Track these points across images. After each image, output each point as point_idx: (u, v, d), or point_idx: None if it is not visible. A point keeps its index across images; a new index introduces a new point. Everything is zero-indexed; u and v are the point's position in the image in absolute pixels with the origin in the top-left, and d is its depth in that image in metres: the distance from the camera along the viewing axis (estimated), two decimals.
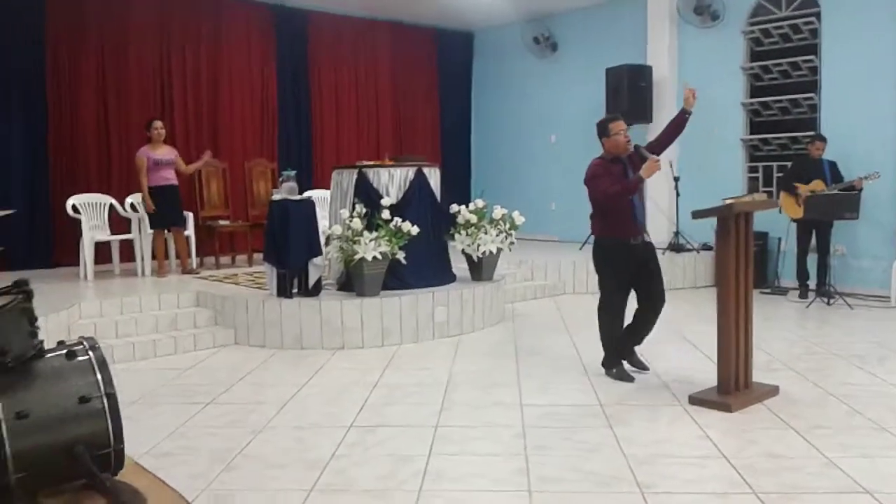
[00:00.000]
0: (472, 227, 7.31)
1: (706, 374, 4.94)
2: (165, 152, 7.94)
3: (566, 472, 3.52)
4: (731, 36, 9.47)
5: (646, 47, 10.14)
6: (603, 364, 5.22)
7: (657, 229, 9.70)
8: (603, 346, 5.21)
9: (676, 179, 9.19)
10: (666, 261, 8.94)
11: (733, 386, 4.52)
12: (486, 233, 7.28)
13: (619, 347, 5.17)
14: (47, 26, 8.77)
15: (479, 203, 7.55)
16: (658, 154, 5.00)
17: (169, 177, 7.89)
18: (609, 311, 5.15)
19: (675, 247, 9.35)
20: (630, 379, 5.04)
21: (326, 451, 3.83)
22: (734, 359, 4.53)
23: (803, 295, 8.11)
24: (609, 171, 5.03)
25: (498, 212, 7.50)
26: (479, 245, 7.24)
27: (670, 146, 5.31)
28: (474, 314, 6.85)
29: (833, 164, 8.04)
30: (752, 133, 9.41)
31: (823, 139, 8.11)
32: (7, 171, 8.53)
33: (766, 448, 3.80)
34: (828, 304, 7.77)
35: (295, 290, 6.45)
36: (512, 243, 7.48)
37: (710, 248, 9.19)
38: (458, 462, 3.67)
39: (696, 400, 4.54)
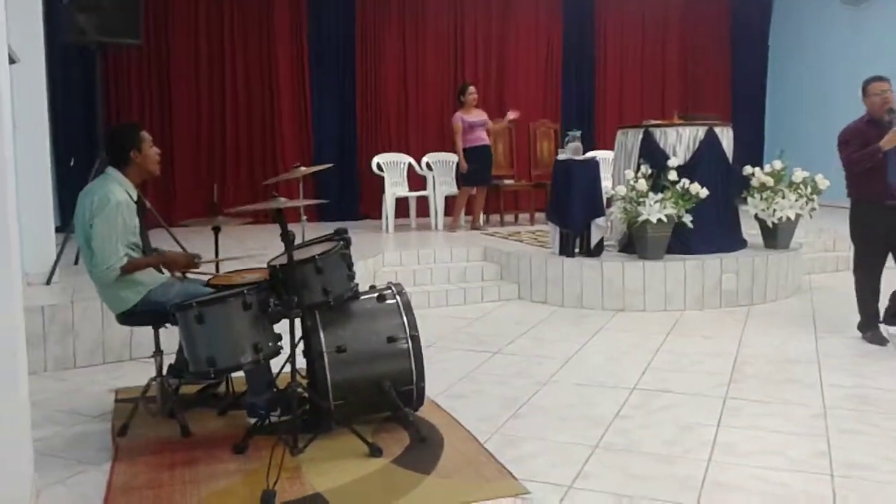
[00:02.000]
0: (768, 191, 6.82)
1: None
2: (477, 115, 8.36)
3: (877, 460, 3.21)
4: None
5: None
6: (858, 327, 5.12)
7: None
8: (858, 308, 5.11)
9: None
10: None
11: None
12: (783, 197, 6.76)
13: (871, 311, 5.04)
14: (356, 3, 9.58)
15: (777, 165, 7.02)
16: None
17: (483, 137, 8.35)
18: (858, 273, 5.12)
19: None
20: (883, 342, 4.85)
21: (609, 409, 3.85)
22: None
23: None
24: (861, 134, 4.91)
25: (798, 174, 6.92)
26: (774, 210, 6.75)
27: None
28: (766, 284, 6.43)
29: None
30: None
31: None
32: (322, 132, 9.55)
33: None
34: None
35: (577, 250, 6.50)
36: (814, 209, 6.87)
37: None
38: (749, 436, 3.50)
39: None
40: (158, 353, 3.69)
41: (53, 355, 4.61)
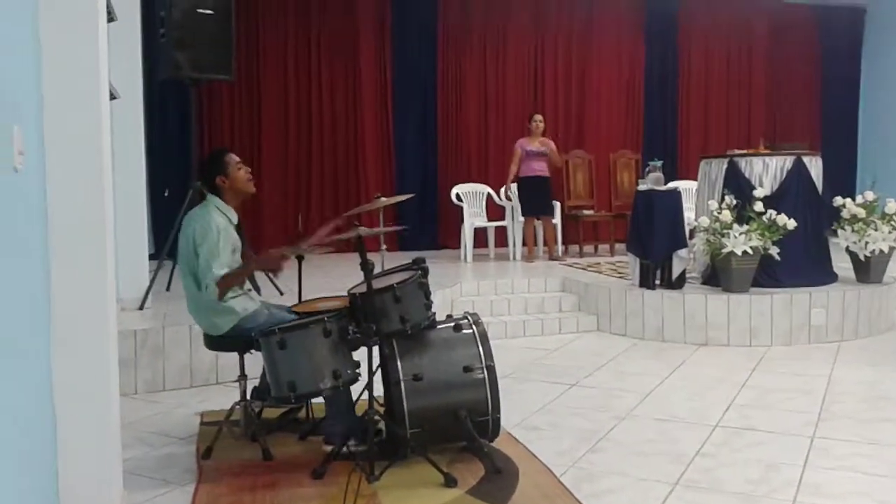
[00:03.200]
0: (860, 223, 6.58)
1: None
2: (539, 145, 8.37)
3: None
4: None
5: None
6: None
7: None
8: None
9: None
10: None
11: None
12: (875, 229, 6.50)
13: None
14: (439, 32, 9.78)
15: (869, 195, 6.76)
16: None
17: (539, 168, 8.30)
18: None
19: None
20: None
21: (691, 446, 3.76)
22: None
23: None
24: None
25: (892, 205, 6.64)
26: (866, 243, 6.49)
27: None
28: (858, 319, 6.17)
29: None
30: None
31: None
32: (404, 163, 9.74)
33: None
34: None
35: (658, 282, 6.39)
36: None
37: None
38: (837, 477, 3.36)
39: None
40: (243, 377, 3.80)
41: (144, 378, 4.80)
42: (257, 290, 3.82)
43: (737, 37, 11.01)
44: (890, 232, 6.51)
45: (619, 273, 7.27)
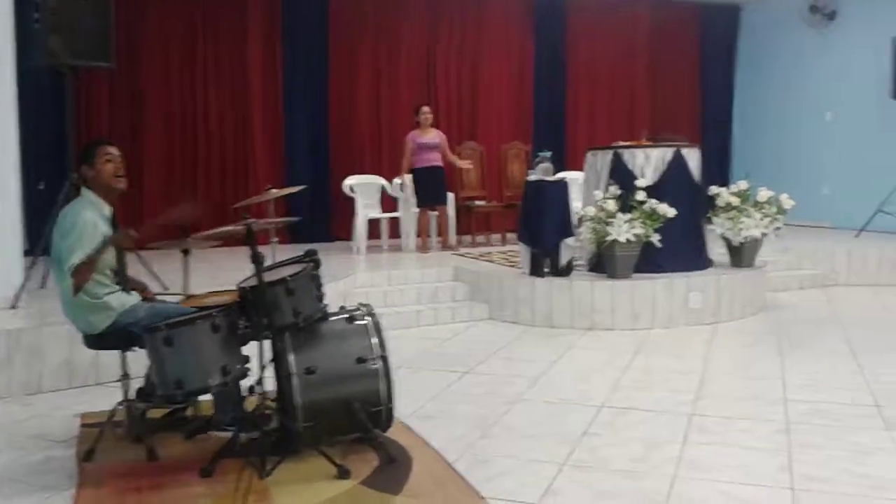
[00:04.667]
0: (734, 211, 6.95)
1: None
2: (432, 136, 8.42)
3: (835, 472, 3.28)
4: None
5: None
6: None
7: None
8: None
9: None
10: None
11: None
12: (748, 216, 6.89)
13: None
14: (330, 24, 9.67)
15: (743, 185, 7.16)
16: None
17: (433, 158, 8.36)
18: None
19: None
20: None
21: (578, 427, 3.89)
22: None
23: None
24: None
25: (763, 194, 7.06)
26: (740, 229, 6.87)
27: None
28: (732, 302, 6.54)
29: None
30: None
31: None
32: (295, 153, 9.59)
33: None
34: None
35: (547, 270, 6.56)
36: (778, 228, 7.01)
37: None
38: (714, 452, 3.57)
39: None
40: (126, 376, 3.67)
41: (19, 380, 4.56)
42: (125, 285, 3.66)
43: (622, 33, 11.37)
44: (761, 219, 6.91)
45: (511, 262, 7.42)
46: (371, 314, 3.73)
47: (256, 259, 3.34)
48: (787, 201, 7.04)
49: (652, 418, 4.06)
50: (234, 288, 3.68)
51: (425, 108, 8.50)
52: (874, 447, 3.57)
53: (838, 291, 7.77)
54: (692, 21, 11.87)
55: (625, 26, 11.34)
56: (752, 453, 3.55)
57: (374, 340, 3.61)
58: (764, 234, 6.94)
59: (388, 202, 9.02)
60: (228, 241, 4.19)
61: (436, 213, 8.60)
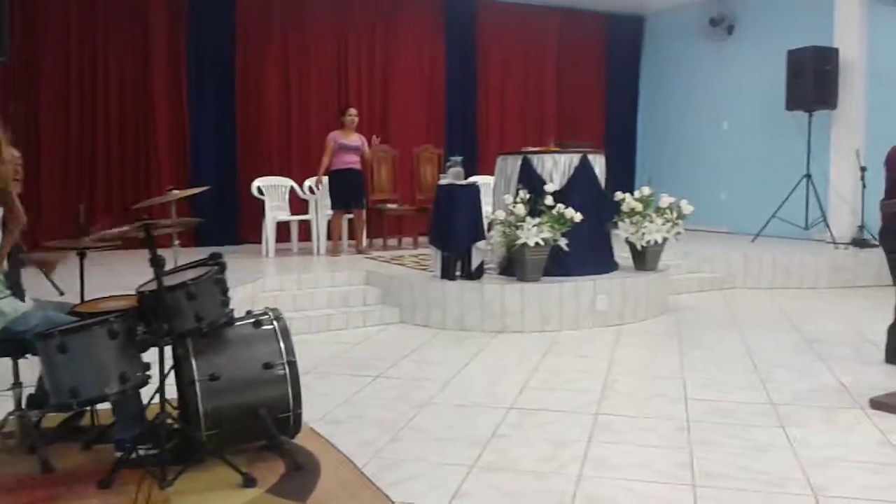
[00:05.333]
0: (637, 216, 7.16)
1: (889, 378, 4.60)
2: (354, 139, 8.36)
3: (733, 469, 3.41)
4: None
5: (832, 28, 9.46)
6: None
7: (839, 221, 9.11)
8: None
9: (863, 170, 8.57)
10: (849, 256, 8.42)
11: None
12: (651, 221, 7.11)
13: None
14: (237, 21, 9.47)
15: (646, 191, 7.38)
16: None
17: (351, 161, 8.31)
18: None
19: (859, 242, 8.72)
20: None
21: (487, 429, 3.92)
22: None
23: None
24: None
25: (665, 200, 7.30)
26: (643, 234, 7.08)
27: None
28: (636, 304, 6.73)
29: None
30: None
31: None
32: (200, 155, 9.34)
33: None
34: None
35: (458, 273, 6.59)
36: (679, 233, 7.25)
37: None
38: (618, 451, 3.65)
39: (878, 404, 4.24)
40: (17, 385, 3.48)
41: None
42: (20, 292, 3.49)
43: (531, 40, 11.57)
44: (663, 224, 7.13)
45: (422, 265, 7.43)
46: (278, 318, 3.65)
47: (156, 262, 3.23)
48: (686, 207, 7.30)
49: (559, 418, 4.12)
50: (133, 292, 3.55)
51: (352, 110, 8.46)
52: (769, 444, 3.73)
53: (735, 294, 8.10)
54: (599, 31, 12.18)
55: (534, 34, 11.54)
56: (654, 451, 3.65)
57: (281, 345, 3.54)
58: (665, 239, 7.17)
59: (298, 204, 8.88)
60: (127, 243, 4.04)
61: (350, 215, 8.53)
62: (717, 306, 7.44)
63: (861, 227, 8.81)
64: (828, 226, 9.02)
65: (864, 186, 8.51)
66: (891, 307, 5.09)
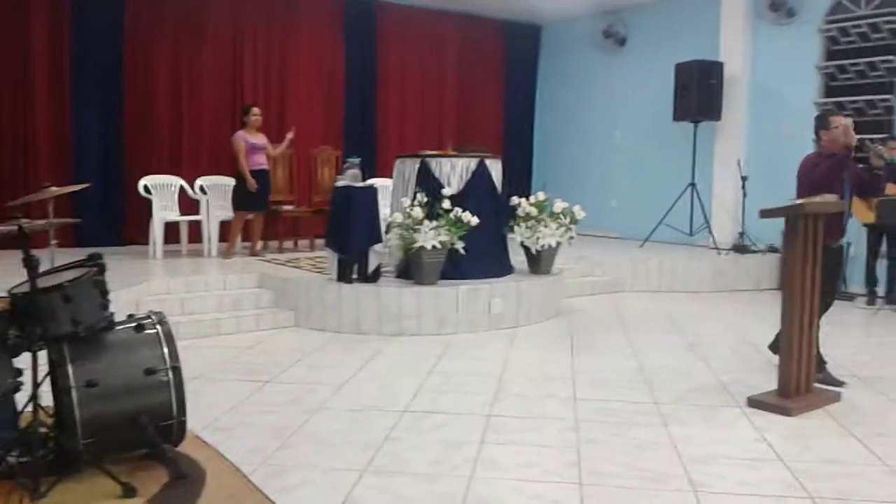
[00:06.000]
0: (532, 220, 7.29)
1: (766, 378, 4.85)
2: (260, 138, 8.17)
3: (618, 467, 3.51)
4: (806, 34, 9.21)
5: (718, 43, 9.92)
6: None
7: (721, 228, 9.55)
8: None
9: (744, 179, 9.03)
10: (729, 261, 8.83)
11: (794, 390, 4.43)
12: (545, 226, 7.26)
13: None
14: (126, 14, 9.08)
15: (541, 196, 7.53)
16: None
17: (261, 162, 8.13)
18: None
19: (740, 247, 9.16)
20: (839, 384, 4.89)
21: (380, 433, 3.89)
22: (796, 363, 4.44)
23: (871, 301, 7.87)
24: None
25: (559, 206, 7.46)
26: (538, 238, 7.22)
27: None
28: (531, 307, 6.84)
29: (891, 166, 7.72)
30: None
31: None
32: (83, 151, 8.88)
33: (824, 453, 3.72)
34: None
35: (355, 276, 6.54)
36: (572, 238, 7.43)
37: (776, 251, 8.97)
38: (509, 451, 3.70)
39: (755, 402, 4.46)
40: None
41: None
42: None
43: (431, 44, 11.59)
44: (557, 229, 7.29)
45: (319, 268, 7.32)
46: (162, 322, 3.51)
47: (29, 263, 3.04)
48: (579, 212, 7.48)
49: (452, 420, 4.14)
50: (4, 294, 3.34)
51: (256, 109, 8.26)
52: (653, 442, 3.86)
53: (624, 297, 8.36)
54: (498, 37, 12.34)
55: (434, 37, 11.58)
56: (543, 451, 3.71)
57: (165, 350, 3.41)
58: (559, 243, 7.33)
59: (188, 204, 8.58)
60: (1, 243, 3.80)
61: (250, 216, 8.31)
62: (606, 309, 7.66)
63: (742, 234, 9.26)
64: (711, 232, 9.44)
65: (744, 195, 8.95)
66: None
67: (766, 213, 4.56)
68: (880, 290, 7.94)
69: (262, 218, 8.40)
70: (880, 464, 3.59)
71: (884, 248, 7.90)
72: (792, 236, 4.48)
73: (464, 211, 6.56)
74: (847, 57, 8.88)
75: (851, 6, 8.87)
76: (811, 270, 4.50)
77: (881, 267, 7.94)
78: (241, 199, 8.04)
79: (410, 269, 6.59)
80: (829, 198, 4.67)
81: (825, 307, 4.94)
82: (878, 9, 8.63)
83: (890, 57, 8.47)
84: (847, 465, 3.58)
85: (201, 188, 8.42)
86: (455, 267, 6.68)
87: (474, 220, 6.56)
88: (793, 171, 5.04)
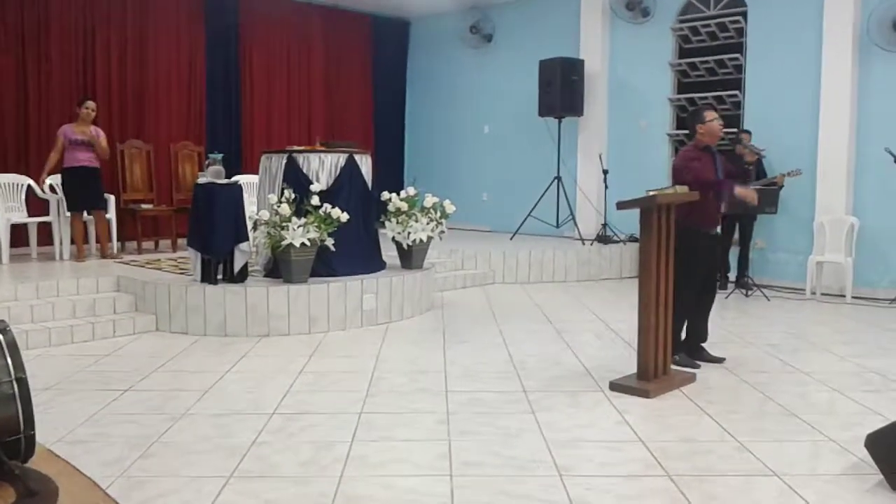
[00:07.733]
0: (403, 215, 7.30)
1: (627, 362, 5.05)
2: (87, 134, 7.66)
3: (487, 456, 3.56)
4: (660, 32, 9.67)
5: (579, 41, 10.27)
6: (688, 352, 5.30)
7: (586, 220, 9.89)
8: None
9: (605, 172, 9.38)
10: (594, 251, 9.16)
11: (652, 373, 4.64)
12: (416, 221, 7.28)
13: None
14: None
15: (411, 191, 7.54)
16: None
17: (85, 158, 7.61)
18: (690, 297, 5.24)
19: (603, 238, 9.52)
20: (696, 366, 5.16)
21: (247, 437, 3.78)
22: (653, 347, 4.64)
23: (723, 286, 8.37)
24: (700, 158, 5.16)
25: (429, 200, 7.51)
26: (409, 233, 7.23)
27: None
28: (403, 302, 6.84)
29: (758, 160, 8.27)
30: (678, 128, 9.62)
31: (749, 133, 8.34)
32: None
33: (681, 433, 3.92)
34: (746, 295, 8.05)
35: (220, 276, 6.34)
36: (442, 232, 7.49)
37: (636, 240, 9.38)
38: (380, 448, 3.67)
39: (616, 386, 4.64)
40: None
41: None
42: None
43: (297, 37, 11.36)
44: (428, 223, 7.33)
45: (181, 269, 7.05)
46: (4, 331, 3.25)
47: None
48: (450, 207, 7.55)
49: (323, 421, 4.07)
50: None
51: (90, 103, 7.75)
52: (521, 429, 3.94)
53: (495, 289, 8.51)
54: (365, 31, 12.25)
55: (299, 30, 11.35)
56: (415, 445, 3.72)
57: (8, 360, 3.15)
58: (430, 238, 7.37)
59: (37, 205, 8.04)
60: None
61: (91, 217, 7.85)
62: (478, 301, 7.77)
63: (604, 226, 9.63)
64: (576, 224, 9.76)
65: (606, 187, 9.31)
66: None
67: (621, 205, 4.74)
68: (731, 276, 8.46)
69: (103, 218, 7.90)
70: (733, 440, 3.81)
71: (736, 235, 8.43)
72: (647, 226, 4.68)
73: (333, 207, 6.47)
74: (698, 54, 9.39)
75: (701, 6, 9.39)
76: (665, 258, 4.72)
77: (733, 254, 8.47)
78: (69, 197, 7.61)
79: (279, 267, 6.44)
80: (681, 189, 4.91)
81: (711, 292, 5.37)
82: (725, 9, 9.17)
83: (737, 55, 9.02)
84: (702, 443, 3.78)
85: (51, 188, 7.91)
86: (325, 264, 6.59)
87: (344, 217, 6.48)
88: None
